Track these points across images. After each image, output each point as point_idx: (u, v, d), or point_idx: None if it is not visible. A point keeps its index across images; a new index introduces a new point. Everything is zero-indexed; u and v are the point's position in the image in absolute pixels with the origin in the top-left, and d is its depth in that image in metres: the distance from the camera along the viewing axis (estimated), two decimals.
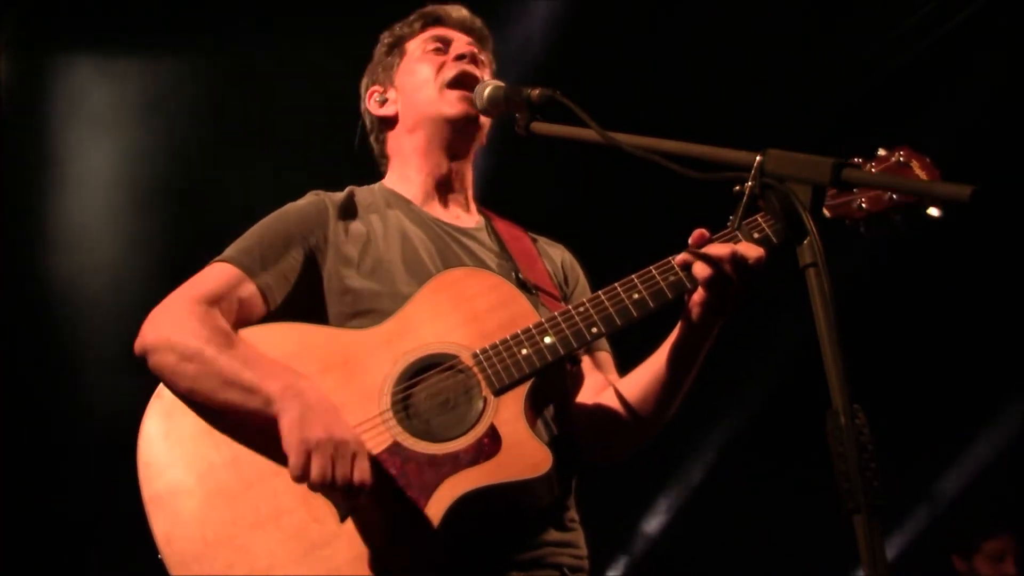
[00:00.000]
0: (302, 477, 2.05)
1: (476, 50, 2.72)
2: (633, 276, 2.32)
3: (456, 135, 2.67)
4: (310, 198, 2.59)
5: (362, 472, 2.06)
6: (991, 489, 6.45)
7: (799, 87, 5.89)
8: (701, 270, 2.21)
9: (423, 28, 2.78)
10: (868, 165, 2.23)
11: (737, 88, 5.71)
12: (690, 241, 2.25)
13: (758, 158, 1.78)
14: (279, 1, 5.10)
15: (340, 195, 2.62)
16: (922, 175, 2.20)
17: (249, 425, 2.21)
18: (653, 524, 7.38)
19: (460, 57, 2.67)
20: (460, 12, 2.80)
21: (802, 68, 5.84)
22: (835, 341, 1.62)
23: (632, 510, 7.39)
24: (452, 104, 2.63)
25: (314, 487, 2.07)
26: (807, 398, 2.27)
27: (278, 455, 2.14)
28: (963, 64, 5.46)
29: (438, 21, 2.79)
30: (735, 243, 2.22)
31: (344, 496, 2.09)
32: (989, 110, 5.52)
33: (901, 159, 2.22)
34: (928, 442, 6.52)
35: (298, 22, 5.09)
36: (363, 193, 2.66)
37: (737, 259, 2.17)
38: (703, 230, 2.25)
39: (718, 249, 2.19)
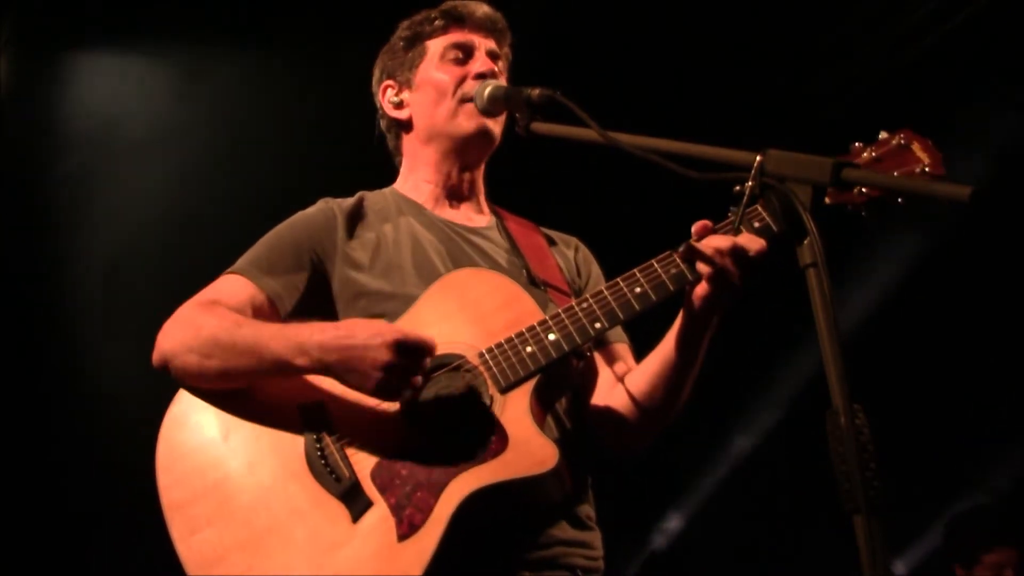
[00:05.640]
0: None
1: (496, 68, 2.67)
2: (635, 270, 2.33)
3: (471, 150, 2.66)
4: (319, 206, 2.60)
5: (405, 348, 2.18)
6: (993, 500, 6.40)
7: (799, 87, 5.89)
8: (702, 263, 2.22)
9: (445, 28, 2.71)
10: (869, 149, 2.24)
11: (737, 88, 5.71)
12: (693, 231, 2.25)
13: (758, 158, 1.79)
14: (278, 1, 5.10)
15: (350, 201, 2.62)
16: (923, 157, 2.20)
17: (278, 397, 2.31)
18: (664, 529, 7.35)
19: (481, 76, 2.61)
20: (483, 9, 2.73)
21: (803, 68, 5.84)
22: (835, 341, 1.62)
23: (646, 513, 7.35)
24: (470, 116, 2.60)
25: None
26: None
27: (298, 426, 2.28)
28: (965, 64, 5.45)
29: (461, 21, 2.71)
30: (736, 236, 2.22)
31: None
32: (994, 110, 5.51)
33: (902, 141, 2.22)
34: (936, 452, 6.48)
35: (299, 21, 5.09)
36: (374, 198, 2.67)
37: (738, 251, 2.18)
38: (706, 221, 2.26)
39: (719, 241, 2.20)
